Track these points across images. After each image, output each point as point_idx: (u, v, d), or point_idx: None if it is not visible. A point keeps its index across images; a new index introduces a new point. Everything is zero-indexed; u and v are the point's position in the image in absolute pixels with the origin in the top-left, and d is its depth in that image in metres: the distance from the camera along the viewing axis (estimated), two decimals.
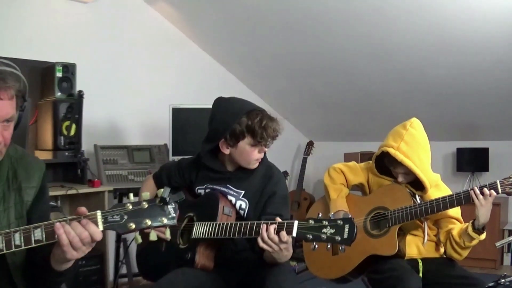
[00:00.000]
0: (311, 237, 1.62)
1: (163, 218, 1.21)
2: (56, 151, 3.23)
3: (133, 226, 1.20)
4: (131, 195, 1.24)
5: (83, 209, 1.24)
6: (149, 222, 1.20)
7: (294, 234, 1.66)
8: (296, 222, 1.66)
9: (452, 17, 3.37)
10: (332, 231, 1.59)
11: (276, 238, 1.69)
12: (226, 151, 2.02)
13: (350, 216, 1.63)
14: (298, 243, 2.84)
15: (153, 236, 1.23)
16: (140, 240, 1.21)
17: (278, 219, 1.73)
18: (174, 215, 1.22)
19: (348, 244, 1.59)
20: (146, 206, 1.21)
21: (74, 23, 3.73)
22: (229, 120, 1.97)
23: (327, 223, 1.60)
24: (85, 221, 1.20)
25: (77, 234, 1.19)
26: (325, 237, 1.59)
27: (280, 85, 4.94)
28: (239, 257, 2.01)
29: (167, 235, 1.26)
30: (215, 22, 4.22)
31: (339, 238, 1.57)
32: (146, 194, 1.24)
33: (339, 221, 1.59)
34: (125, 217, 1.20)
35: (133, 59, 4.08)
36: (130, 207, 1.21)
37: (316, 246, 1.66)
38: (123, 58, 4.01)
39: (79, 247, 1.21)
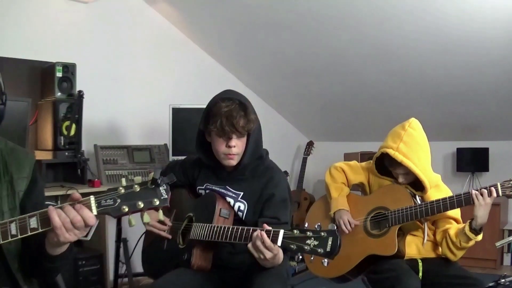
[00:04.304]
0: (295, 247, 1.60)
1: (155, 200, 1.23)
2: (56, 151, 3.23)
3: (126, 209, 1.22)
4: (123, 179, 1.26)
5: (77, 195, 1.26)
6: (141, 204, 1.22)
7: (279, 243, 1.63)
8: (281, 231, 1.63)
9: (452, 18, 3.37)
10: (316, 243, 1.56)
11: (261, 245, 1.66)
12: (209, 139, 2.04)
13: (335, 229, 1.60)
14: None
15: (146, 219, 1.26)
16: (133, 223, 1.24)
17: (266, 226, 1.70)
18: (166, 196, 1.24)
19: (330, 258, 1.57)
20: (138, 189, 1.23)
21: (74, 23, 3.73)
22: (209, 103, 2.02)
23: (311, 234, 1.57)
24: (79, 205, 1.23)
25: (70, 218, 1.21)
26: (308, 248, 1.57)
27: (280, 85, 4.94)
28: (236, 259, 2.01)
29: (160, 216, 1.29)
30: (215, 22, 4.22)
31: (322, 251, 1.55)
32: (138, 178, 1.25)
33: (323, 233, 1.56)
34: (118, 200, 1.22)
35: (133, 59, 4.08)
36: (123, 190, 1.23)
37: (300, 257, 1.64)
38: (123, 58, 4.01)
39: (70, 229, 1.23)
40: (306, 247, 1.57)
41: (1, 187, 1.41)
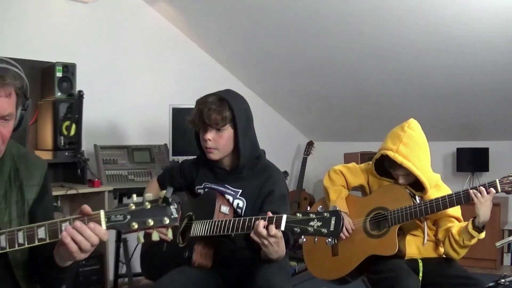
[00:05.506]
0: (298, 230, 1.63)
1: (165, 218, 1.22)
2: (56, 151, 3.23)
3: (135, 226, 1.21)
4: (134, 196, 1.25)
5: (87, 209, 1.24)
6: (151, 222, 1.21)
7: (283, 227, 1.66)
8: (284, 216, 1.67)
9: (452, 17, 3.37)
10: (319, 224, 1.59)
11: (264, 232, 1.69)
12: None
13: (337, 209, 1.63)
14: (297, 243, 2.84)
15: (155, 237, 1.24)
16: (142, 240, 1.23)
17: (269, 213, 1.73)
18: (176, 215, 1.23)
19: (334, 237, 1.60)
20: (149, 206, 1.22)
21: (74, 23, 3.73)
22: None
23: (314, 216, 1.61)
24: (93, 225, 1.21)
25: (86, 238, 1.21)
26: (312, 230, 1.60)
27: (280, 85, 4.94)
28: (237, 256, 2.02)
29: (169, 235, 1.27)
30: (215, 22, 4.22)
31: (326, 231, 1.58)
32: (149, 195, 1.25)
33: (325, 214, 1.60)
34: (128, 216, 1.22)
35: (133, 59, 4.08)
36: (133, 207, 1.22)
37: (304, 239, 1.67)
38: (123, 58, 4.01)
39: (89, 250, 1.23)
40: (309, 229, 1.60)
41: (11, 194, 1.40)
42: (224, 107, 1.97)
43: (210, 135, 1.99)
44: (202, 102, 2.00)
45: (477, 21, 3.34)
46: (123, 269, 3.56)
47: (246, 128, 2.03)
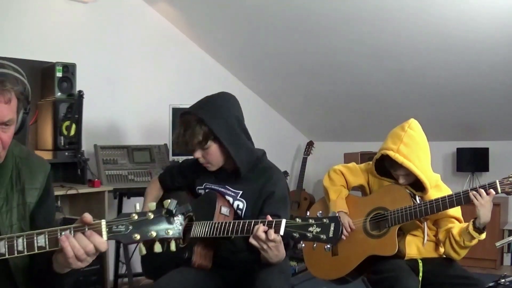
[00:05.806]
0: (297, 235, 1.62)
1: (169, 230, 1.19)
2: (56, 151, 3.23)
3: (137, 237, 1.18)
4: (137, 204, 1.23)
5: (88, 218, 1.21)
6: (154, 234, 1.18)
7: (282, 232, 1.65)
8: (284, 221, 1.66)
9: (452, 17, 3.37)
10: (318, 229, 1.58)
11: (263, 236, 1.68)
12: None
13: (336, 215, 1.63)
14: (297, 248, 2.85)
15: (158, 248, 1.21)
16: (144, 252, 1.20)
17: (269, 217, 1.72)
18: (180, 227, 1.20)
19: (333, 243, 1.60)
20: (152, 217, 1.19)
21: (74, 23, 3.73)
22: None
23: (313, 221, 1.60)
24: (90, 232, 1.19)
25: (82, 247, 1.18)
26: (311, 235, 1.59)
27: (280, 85, 4.94)
28: (236, 258, 2.02)
29: (172, 247, 1.24)
30: (215, 22, 4.22)
31: (324, 237, 1.57)
32: (152, 205, 1.22)
33: (325, 220, 1.59)
34: (130, 227, 1.18)
35: (133, 59, 4.08)
36: (136, 217, 1.19)
37: (303, 245, 1.67)
38: (123, 58, 4.01)
39: (84, 259, 1.20)
40: (308, 234, 1.60)
41: (12, 197, 1.38)
42: (197, 129, 1.95)
43: (197, 154, 2.01)
44: (180, 123, 2.03)
45: (477, 21, 3.34)
46: (123, 269, 3.56)
47: (230, 138, 1.98)
